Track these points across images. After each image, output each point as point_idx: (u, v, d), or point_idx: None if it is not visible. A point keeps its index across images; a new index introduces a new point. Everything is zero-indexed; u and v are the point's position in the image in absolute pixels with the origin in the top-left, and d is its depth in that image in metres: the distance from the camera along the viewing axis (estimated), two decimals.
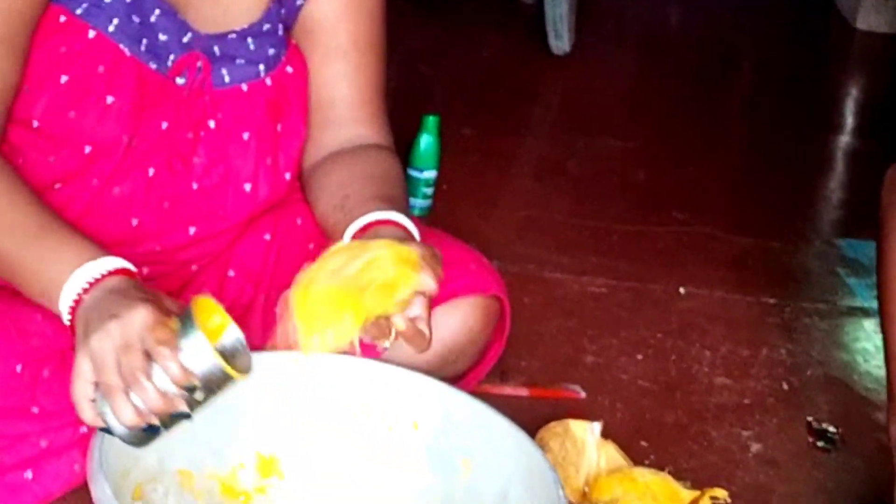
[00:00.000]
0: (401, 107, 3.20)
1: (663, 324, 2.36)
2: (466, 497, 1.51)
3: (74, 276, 1.38)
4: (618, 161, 3.25)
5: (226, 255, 1.74)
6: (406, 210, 1.62)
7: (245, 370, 1.33)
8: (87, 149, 1.58)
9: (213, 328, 1.32)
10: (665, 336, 2.31)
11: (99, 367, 1.30)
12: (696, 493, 1.69)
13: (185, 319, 1.30)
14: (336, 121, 1.74)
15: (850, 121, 3.93)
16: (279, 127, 1.69)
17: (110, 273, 1.38)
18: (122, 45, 1.57)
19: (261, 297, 1.70)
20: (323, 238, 1.66)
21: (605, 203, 2.94)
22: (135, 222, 1.64)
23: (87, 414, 1.32)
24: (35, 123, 1.57)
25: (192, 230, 1.68)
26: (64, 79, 1.55)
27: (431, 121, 2.64)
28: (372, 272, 1.38)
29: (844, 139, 3.73)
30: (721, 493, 1.70)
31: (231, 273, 1.73)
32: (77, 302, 1.37)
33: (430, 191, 2.65)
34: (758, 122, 3.76)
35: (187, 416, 1.30)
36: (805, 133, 3.63)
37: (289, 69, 1.70)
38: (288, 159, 1.72)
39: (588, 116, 3.59)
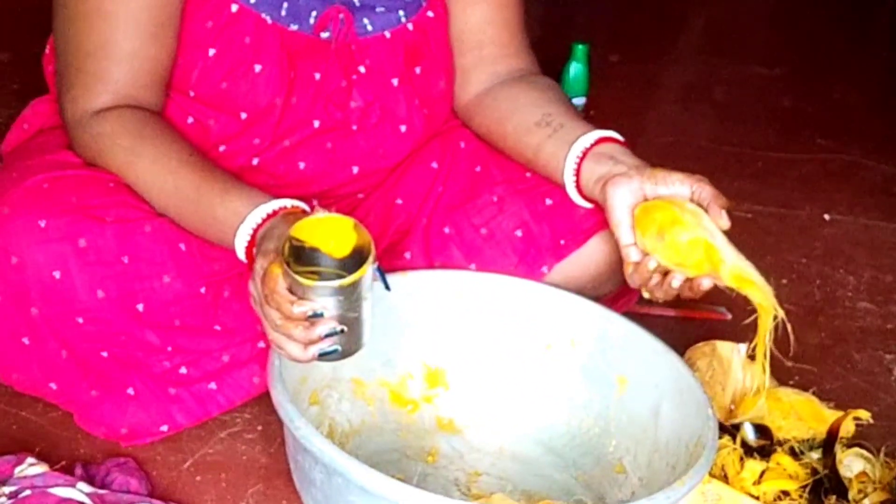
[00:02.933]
0: (550, 35, 3.27)
1: (808, 249, 2.39)
2: (620, 413, 1.59)
3: (241, 229, 1.45)
4: (762, 87, 3.26)
5: (392, 182, 1.81)
6: None
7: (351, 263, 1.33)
8: (244, 115, 1.65)
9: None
10: (809, 261, 2.35)
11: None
12: (840, 413, 1.73)
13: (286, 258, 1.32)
14: (487, 59, 1.78)
15: None
16: (418, 70, 1.74)
17: (268, 216, 1.45)
18: (263, 14, 1.62)
19: (422, 219, 1.76)
20: (491, 157, 1.73)
21: (749, 129, 2.96)
22: (302, 166, 1.72)
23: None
24: (191, 93, 1.65)
25: (355, 169, 1.75)
26: (212, 52, 1.62)
27: (581, 49, 2.69)
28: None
29: None
30: (864, 414, 1.75)
31: (399, 201, 1.80)
32: (248, 249, 1.46)
33: None
34: None
35: (341, 332, 1.35)
36: None
37: (430, 13, 1.74)
38: (429, 101, 1.77)
39: (733, 42, 3.59)
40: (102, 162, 1.57)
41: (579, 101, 2.68)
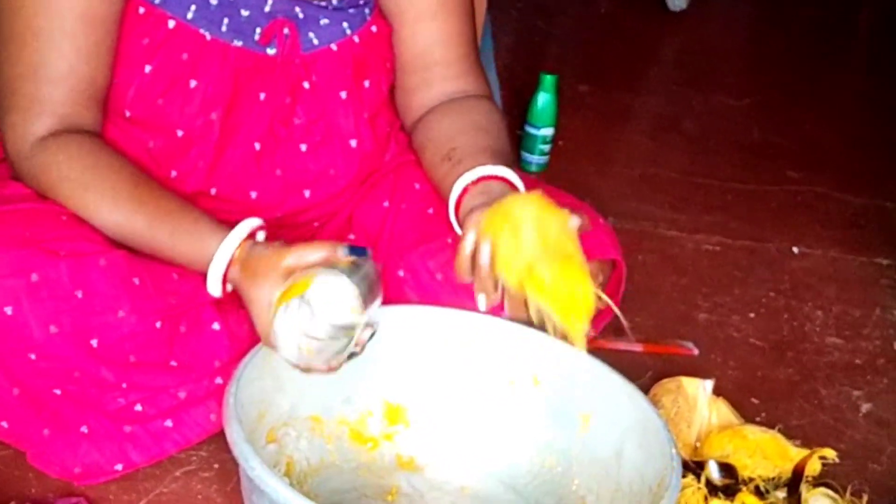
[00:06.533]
0: (518, 63, 3.27)
1: (776, 283, 2.38)
2: (583, 451, 1.57)
3: (217, 255, 1.49)
4: (732, 119, 3.26)
5: (346, 218, 1.81)
6: (511, 162, 1.66)
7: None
8: (180, 133, 1.64)
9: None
10: (777, 295, 2.34)
11: None
12: (806, 451, 1.72)
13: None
14: (433, 80, 1.77)
15: None
16: (367, 83, 1.73)
17: (230, 261, 1.49)
18: (201, 30, 1.61)
19: (379, 260, 1.75)
20: (442, 202, 1.71)
21: (719, 161, 2.96)
22: (254, 195, 1.70)
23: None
24: (127, 113, 1.63)
25: (307, 193, 1.74)
26: (148, 68, 1.60)
27: (549, 79, 2.67)
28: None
29: None
30: (830, 453, 1.73)
31: (351, 236, 1.79)
32: (225, 276, 1.50)
33: (546, 147, 2.69)
34: (876, 78, 3.72)
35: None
36: None
37: (373, 28, 1.73)
38: (376, 114, 1.76)
39: (703, 74, 3.60)
40: (51, 194, 1.54)
41: (548, 131, 2.67)
